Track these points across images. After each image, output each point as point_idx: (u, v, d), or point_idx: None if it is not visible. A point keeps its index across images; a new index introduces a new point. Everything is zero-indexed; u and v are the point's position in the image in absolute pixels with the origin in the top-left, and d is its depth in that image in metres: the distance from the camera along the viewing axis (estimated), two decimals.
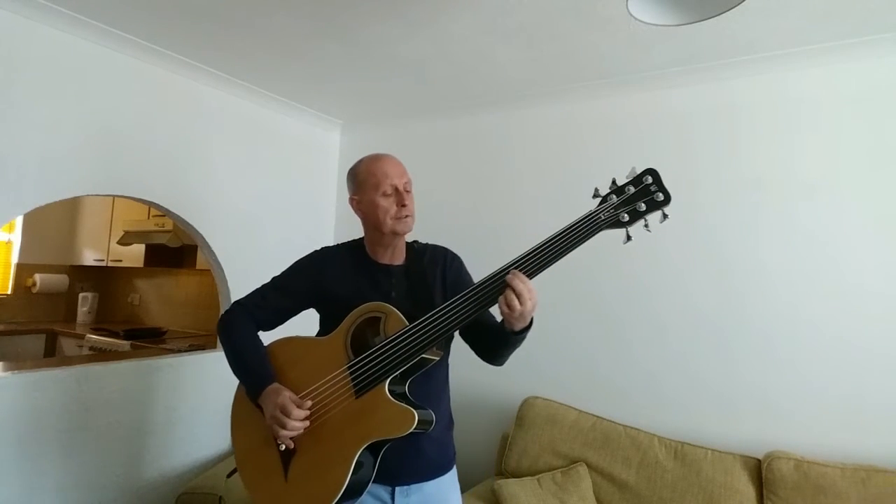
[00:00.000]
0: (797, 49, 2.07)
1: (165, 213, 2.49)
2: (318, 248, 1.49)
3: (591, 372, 2.46)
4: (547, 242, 1.18)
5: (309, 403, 1.26)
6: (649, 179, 1.17)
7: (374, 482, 1.26)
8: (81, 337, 3.92)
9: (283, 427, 1.22)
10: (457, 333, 1.38)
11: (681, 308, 2.29)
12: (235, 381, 2.75)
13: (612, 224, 1.18)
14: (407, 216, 1.37)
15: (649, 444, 2.12)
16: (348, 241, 1.50)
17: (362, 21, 2.01)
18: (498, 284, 1.17)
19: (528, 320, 1.21)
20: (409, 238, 1.47)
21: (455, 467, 1.44)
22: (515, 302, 1.13)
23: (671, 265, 2.32)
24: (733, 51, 2.12)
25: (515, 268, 1.17)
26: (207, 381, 2.58)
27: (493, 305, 1.19)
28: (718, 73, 2.25)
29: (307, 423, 1.24)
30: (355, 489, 1.22)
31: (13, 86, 1.94)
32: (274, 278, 1.46)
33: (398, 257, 1.44)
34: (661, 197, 1.16)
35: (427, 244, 1.51)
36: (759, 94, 2.19)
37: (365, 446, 1.20)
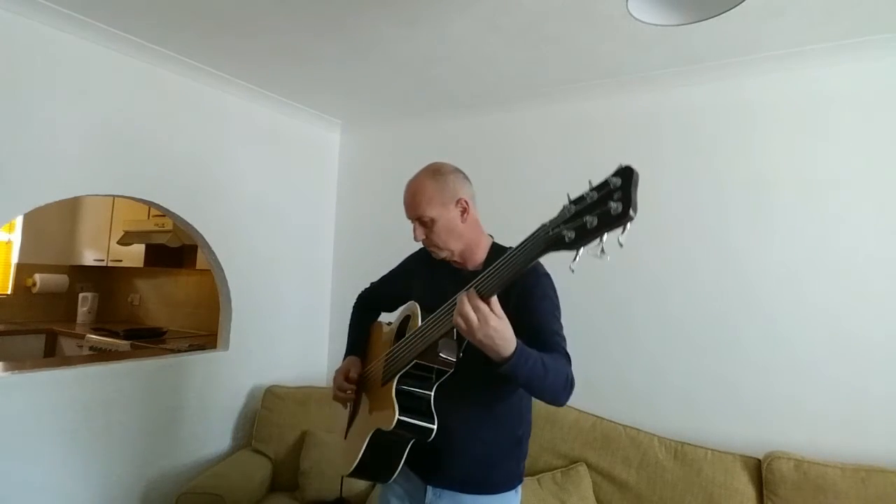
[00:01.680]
0: (797, 49, 2.07)
1: (165, 213, 2.49)
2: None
3: (591, 372, 2.45)
4: (502, 260, 0.97)
5: (353, 376, 1.48)
6: (617, 183, 0.81)
7: (413, 472, 1.34)
8: (81, 337, 3.92)
9: (334, 393, 1.50)
10: None
11: (682, 308, 2.29)
12: (234, 382, 2.75)
13: (554, 244, 0.88)
14: (430, 247, 1.38)
15: (649, 444, 2.12)
16: None
17: (363, 21, 2.01)
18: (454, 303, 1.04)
19: (498, 352, 0.99)
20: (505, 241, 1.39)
21: (509, 493, 1.32)
22: (461, 323, 0.98)
23: (671, 265, 2.32)
24: (734, 51, 2.12)
25: (472, 285, 1.01)
26: (207, 381, 2.58)
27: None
28: (719, 72, 2.25)
29: (350, 394, 1.47)
30: (380, 471, 1.31)
31: (14, 86, 1.95)
32: (391, 269, 1.64)
33: (474, 261, 1.37)
34: (617, 209, 0.79)
35: None
36: (758, 93, 2.19)
37: (372, 432, 1.26)
